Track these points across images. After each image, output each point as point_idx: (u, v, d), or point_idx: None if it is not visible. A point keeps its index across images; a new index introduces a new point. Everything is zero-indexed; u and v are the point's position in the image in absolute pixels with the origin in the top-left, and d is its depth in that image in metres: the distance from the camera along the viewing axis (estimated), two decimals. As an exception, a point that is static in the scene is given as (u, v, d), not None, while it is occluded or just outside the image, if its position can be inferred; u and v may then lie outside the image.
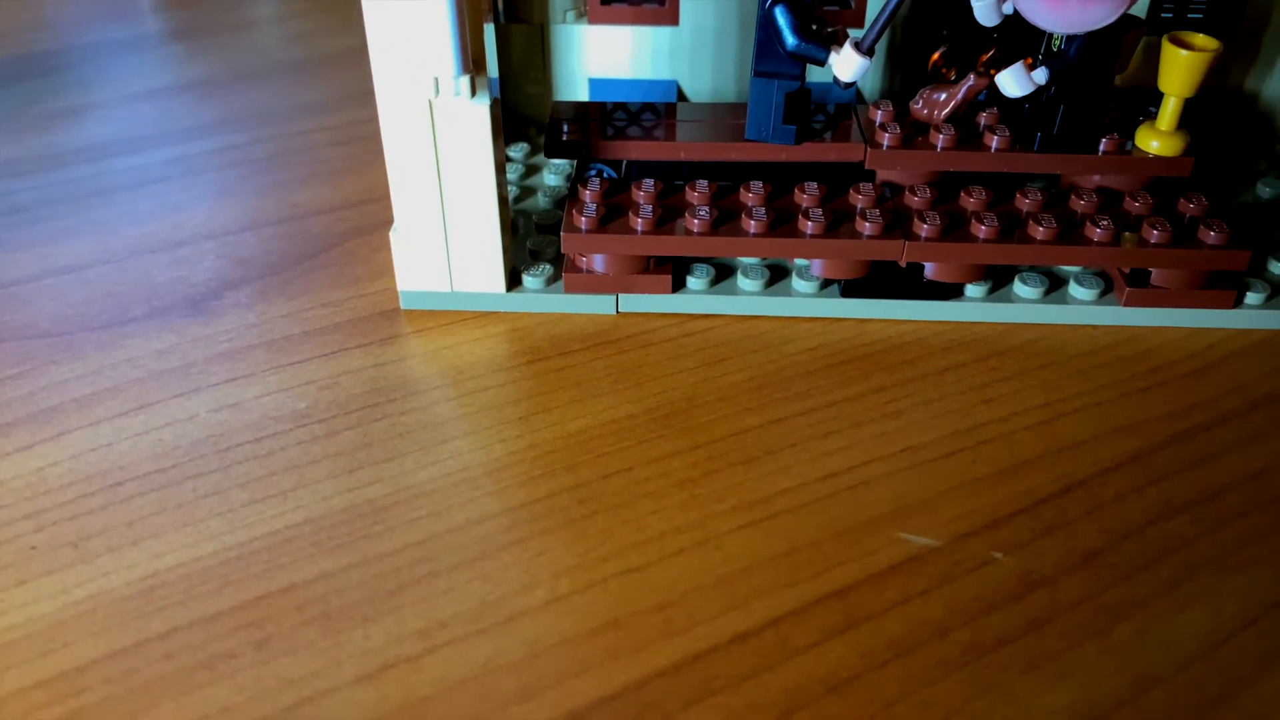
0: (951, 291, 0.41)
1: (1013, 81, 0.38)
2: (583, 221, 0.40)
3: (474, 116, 0.37)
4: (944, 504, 0.33)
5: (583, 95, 0.50)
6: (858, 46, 0.38)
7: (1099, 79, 0.39)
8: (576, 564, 0.31)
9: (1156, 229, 0.39)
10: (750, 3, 0.47)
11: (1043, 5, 0.36)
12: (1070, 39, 0.38)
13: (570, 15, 0.49)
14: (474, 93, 0.36)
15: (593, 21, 0.48)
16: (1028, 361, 0.39)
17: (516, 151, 0.50)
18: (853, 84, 0.39)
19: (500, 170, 0.39)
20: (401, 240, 0.40)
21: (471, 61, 0.35)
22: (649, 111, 0.44)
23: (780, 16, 0.38)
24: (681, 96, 0.50)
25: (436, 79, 0.35)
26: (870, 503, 0.33)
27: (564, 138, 0.42)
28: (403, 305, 0.41)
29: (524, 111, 0.51)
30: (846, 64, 0.38)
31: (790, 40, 0.38)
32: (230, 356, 0.39)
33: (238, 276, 0.44)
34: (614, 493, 0.33)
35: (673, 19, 0.48)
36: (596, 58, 0.49)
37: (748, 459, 0.35)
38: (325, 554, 0.31)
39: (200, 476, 0.34)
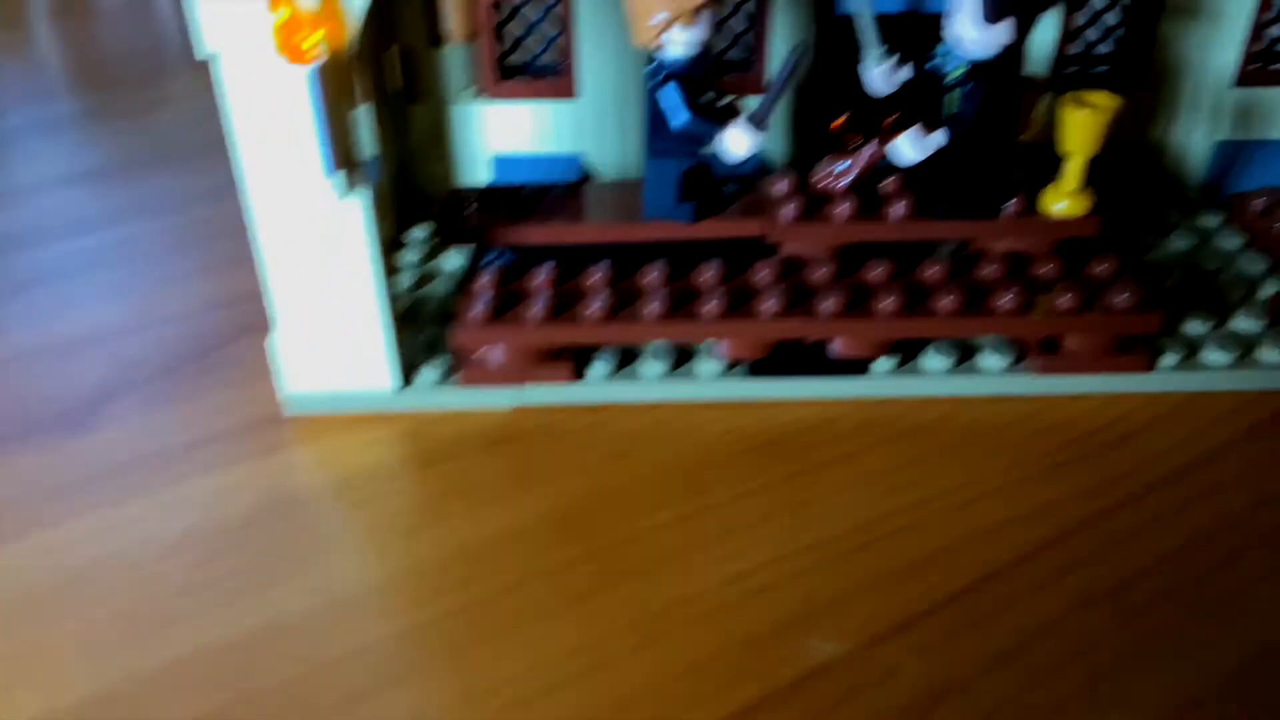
0: (859, 367, 0.39)
1: (910, 146, 0.37)
2: (477, 312, 0.38)
3: (350, 213, 0.35)
4: (854, 604, 0.31)
5: (487, 173, 0.48)
6: (751, 121, 0.36)
7: (998, 140, 0.38)
8: (461, 698, 0.29)
9: (1065, 294, 0.38)
10: (649, 74, 0.46)
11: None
12: (967, 100, 0.37)
13: (469, 93, 0.47)
14: (348, 188, 0.34)
15: (492, 98, 0.47)
16: (940, 439, 0.37)
17: (419, 233, 0.48)
18: (750, 158, 0.37)
19: (386, 262, 0.37)
20: (284, 341, 0.38)
21: (343, 158, 0.33)
22: (550, 192, 0.42)
23: (668, 95, 0.37)
24: (589, 171, 0.48)
25: (306, 178, 0.33)
26: (776, 606, 0.31)
27: (459, 223, 0.40)
28: (289, 411, 0.39)
29: (428, 190, 0.49)
30: (739, 140, 0.37)
31: (679, 118, 0.37)
32: (109, 475, 0.37)
33: (124, 382, 0.42)
34: (505, 612, 0.31)
35: (570, 91, 0.47)
36: (500, 134, 0.48)
37: (648, 564, 0.33)
38: (198, 696, 0.29)
39: (65, 616, 0.31)
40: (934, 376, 0.39)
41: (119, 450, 0.38)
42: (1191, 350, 0.39)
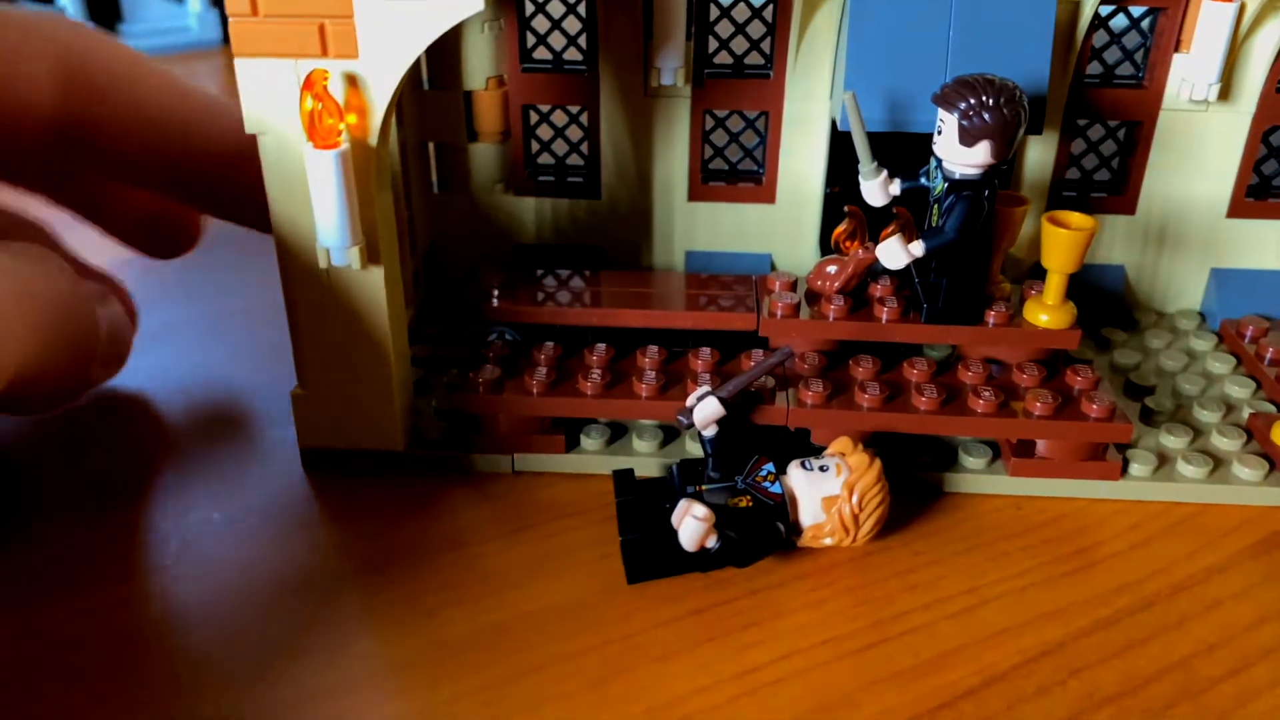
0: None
1: (890, 254, 0.38)
2: (479, 384, 0.40)
3: (368, 284, 0.37)
4: (864, 700, 0.31)
5: (510, 261, 0.51)
6: (719, 396, 0.37)
7: (977, 253, 0.39)
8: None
9: (1039, 402, 0.38)
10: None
11: None
12: (946, 214, 0.38)
13: (498, 187, 0.50)
14: (364, 263, 0.36)
15: (518, 194, 0.50)
16: (952, 545, 0.37)
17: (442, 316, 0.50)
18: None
19: (400, 333, 0.39)
20: (304, 399, 0.40)
21: (361, 234, 0.36)
22: (561, 278, 0.44)
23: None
24: (605, 259, 0.51)
25: (328, 250, 0.36)
26: (789, 700, 0.31)
27: (473, 300, 0.42)
28: (304, 465, 0.41)
29: (455, 275, 0.52)
30: (705, 411, 0.37)
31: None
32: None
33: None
34: (521, 694, 0.31)
35: (596, 193, 0.50)
36: (524, 226, 0.51)
37: (664, 655, 0.32)
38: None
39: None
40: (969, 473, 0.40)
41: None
42: (1162, 460, 0.40)
